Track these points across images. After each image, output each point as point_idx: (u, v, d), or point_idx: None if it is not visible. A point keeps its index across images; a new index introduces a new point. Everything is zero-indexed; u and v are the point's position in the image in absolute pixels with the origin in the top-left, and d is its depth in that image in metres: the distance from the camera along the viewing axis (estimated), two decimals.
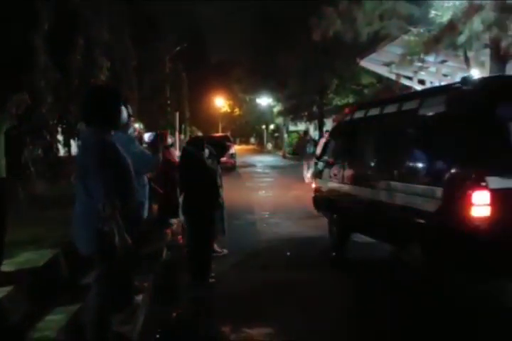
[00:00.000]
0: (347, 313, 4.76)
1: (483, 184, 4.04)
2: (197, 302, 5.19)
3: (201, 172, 5.60)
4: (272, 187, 16.30)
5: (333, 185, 7.05)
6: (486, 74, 14.47)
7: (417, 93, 6.39)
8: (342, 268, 6.36)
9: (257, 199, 13.10)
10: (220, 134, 31.32)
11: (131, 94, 18.77)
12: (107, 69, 12.36)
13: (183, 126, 44.10)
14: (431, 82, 22.84)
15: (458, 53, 13.98)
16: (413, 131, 5.22)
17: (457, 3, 10.59)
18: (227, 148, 7.38)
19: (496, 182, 4.04)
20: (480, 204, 4.04)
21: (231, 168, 23.03)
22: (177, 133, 25.92)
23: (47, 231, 5.81)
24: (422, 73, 19.67)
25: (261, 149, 52.73)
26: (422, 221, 4.63)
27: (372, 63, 21.62)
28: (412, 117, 5.18)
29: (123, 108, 4.06)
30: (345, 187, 6.56)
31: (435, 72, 20.39)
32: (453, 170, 4.37)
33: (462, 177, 4.25)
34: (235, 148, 37.02)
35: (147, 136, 7.95)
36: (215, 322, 4.73)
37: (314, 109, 32.69)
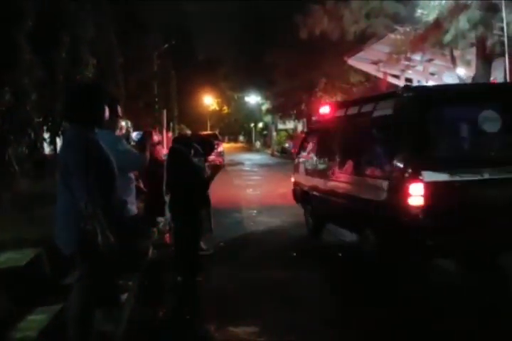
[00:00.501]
0: (333, 311, 4.76)
1: (420, 177, 4.76)
2: (183, 301, 5.17)
3: (188, 171, 5.58)
4: (259, 186, 16.32)
5: (307, 178, 8.04)
6: (472, 72, 14.62)
7: (372, 97, 6.81)
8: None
9: (245, 197, 13.09)
10: (208, 132, 31.33)
11: (118, 92, 18.63)
12: (92, 66, 12.21)
13: (171, 124, 43.94)
14: (418, 81, 22.96)
15: (444, 52, 14.12)
16: (367, 131, 5.96)
17: (443, 2, 10.66)
18: (214, 147, 7.36)
19: (430, 176, 4.75)
20: (416, 195, 4.75)
21: (219, 166, 22.96)
22: (165, 131, 25.78)
23: (30, 230, 5.73)
24: (410, 72, 19.82)
25: (249, 147, 52.74)
26: (373, 210, 5.36)
27: (360, 61, 21.71)
28: (367, 119, 5.97)
29: (116, 107, 4.07)
30: (316, 181, 7.47)
31: (422, 71, 20.55)
32: (395, 166, 5.10)
33: (402, 171, 4.97)
34: (224, 146, 37.04)
35: (135, 135, 7.88)
36: (201, 321, 4.71)
37: (303, 107, 32.74)
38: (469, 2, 10.37)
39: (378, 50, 18.01)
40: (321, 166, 7.36)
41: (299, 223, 8.70)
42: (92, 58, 12.41)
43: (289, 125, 37.70)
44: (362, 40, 16.58)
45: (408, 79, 22.68)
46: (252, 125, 55.05)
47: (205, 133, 29.77)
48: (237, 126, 61.61)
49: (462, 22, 10.86)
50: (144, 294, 5.11)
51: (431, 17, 10.93)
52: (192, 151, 6.15)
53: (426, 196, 4.72)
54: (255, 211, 10.59)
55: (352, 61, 21.66)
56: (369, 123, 5.94)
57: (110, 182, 3.45)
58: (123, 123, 14.09)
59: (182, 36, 51.45)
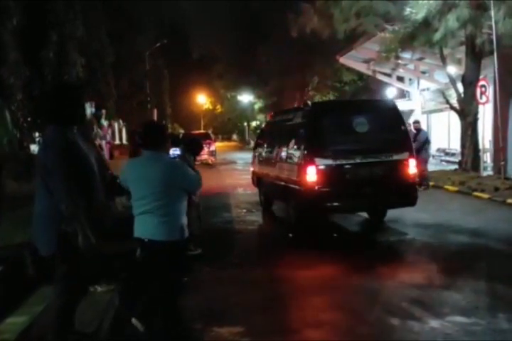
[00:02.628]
0: (318, 310, 4.74)
1: (313, 162, 7.33)
2: (169, 303, 5.11)
3: None
4: (251, 185, 16.19)
5: (259, 167, 10.52)
6: (462, 71, 14.69)
7: (290, 109, 10.45)
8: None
9: (235, 196, 13.03)
10: (200, 131, 31.26)
11: (109, 91, 18.56)
12: (81, 65, 12.15)
13: (164, 123, 43.84)
14: (410, 79, 23.09)
15: (434, 51, 14.15)
16: (289, 131, 8.60)
17: (431, 1, 10.65)
18: (203, 146, 7.33)
19: (321, 161, 7.34)
20: (312, 174, 7.32)
21: (211, 165, 22.95)
22: None
23: (14, 231, 5.68)
24: (401, 70, 19.85)
25: (243, 146, 52.58)
26: (292, 186, 7.90)
27: (352, 60, 21.77)
28: (288, 124, 8.82)
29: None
30: (263, 168, 10.05)
31: (413, 69, 20.62)
32: (301, 155, 7.71)
33: (304, 159, 7.54)
34: (217, 145, 36.92)
35: (172, 151, 7.60)
36: (187, 322, 4.67)
37: (295, 105, 32.74)
38: (457, 1, 10.37)
39: (369, 48, 18.06)
40: (266, 157, 9.88)
41: (289, 222, 8.72)
42: (80, 57, 12.38)
43: None
44: (353, 39, 16.60)
45: (400, 78, 22.79)
46: (246, 124, 54.93)
47: (197, 132, 29.83)
48: (230, 124, 61.44)
49: (451, 21, 10.89)
50: (128, 295, 5.05)
51: (420, 16, 10.94)
52: (181, 152, 6.13)
53: (318, 175, 7.32)
54: (245, 210, 10.55)
55: (343, 60, 21.71)
56: (289, 127, 8.71)
57: (90, 183, 3.41)
58: (104, 123, 14.06)
59: (176, 34, 51.37)
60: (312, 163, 7.28)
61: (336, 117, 7.84)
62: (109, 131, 15.36)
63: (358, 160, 7.43)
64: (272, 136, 9.78)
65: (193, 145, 6.83)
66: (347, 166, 7.43)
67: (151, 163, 3.68)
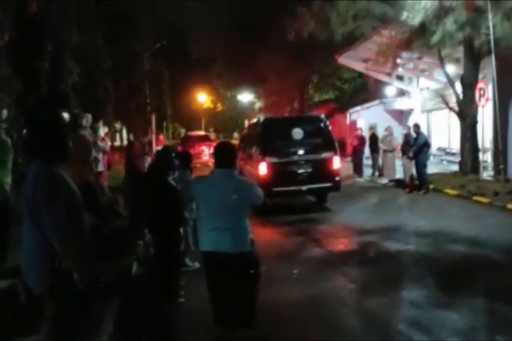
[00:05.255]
0: (311, 333, 4.70)
1: (265, 160, 10.29)
2: (165, 324, 5.09)
3: (164, 192, 5.50)
4: None
5: (240, 162, 12.03)
6: (461, 70, 14.58)
7: (256, 123, 12.12)
8: None
9: None
10: (200, 133, 31.15)
11: (106, 95, 18.48)
12: (77, 73, 12.08)
13: (164, 124, 43.73)
14: (409, 78, 22.96)
15: (433, 51, 14.02)
16: (253, 138, 11.60)
17: (428, 4, 10.54)
18: (192, 159, 7.46)
19: (270, 159, 10.27)
20: (263, 169, 10.23)
21: (211, 167, 22.90)
22: (154, 135, 25.54)
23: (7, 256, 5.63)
24: (400, 69, 19.73)
25: None
26: (254, 176, 10.13)
27: (351, 60, 21.64)
28: (253, 132, 11.82)
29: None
30: (242, 163, 12.01)
31: (412, 68, 20.49)
32: (257, 155, 10.59)
33: (258, 157, 10.49)
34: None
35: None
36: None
37: (295, 105, 32.65)
38: (454, 4, 10.26)
39: (368, 48, 17.95)
40: (243, 156, 11.93)
41: (288, 232, 8.69)
42: (76, 66, 12.29)
43: None
44: (351, 40, 16.49)
45: (399, 77, 22.66)
46: (246, 122, 54.84)
47: (197, 134, 29.67)
48: (231, 123, 61.42)
49: (449, 23, 10.80)
50: (125, 316, 5.02)
51: (417, 20, 10.84)
52: (174, 166, 6.11)
53: (268, 169, 10.21)
54: None
55: (342, 59, 21.60)
56: (253, 135, 11.69)
57: (79, 218, 3.38)
58: (101, 132, 13.93)
59: (175, 34, 51.17)
60: (264, 160, 10.28)
61: (280, 128, 10.81)
62: (108, 141, 15.27)
63: (295, 158, 10.43)
64: (246, 141, 12.85)
65: (183, 160, 6.90)
66: (288, 163, 10.38)
67: (224, 180, 3.97)
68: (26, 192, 3.38)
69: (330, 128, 11.15)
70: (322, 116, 11.77)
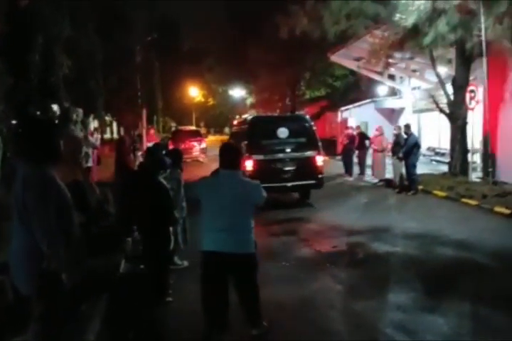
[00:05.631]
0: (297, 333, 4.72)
1: (251, 157, 10.54)
2: (153, 324, 5.09)
3: (153, 191, 5.48)
4: None
5: None
6: (452, 71, 14.66)
7: (244, 120, 13.21)
8: None
9: None
10: (191, 128, 31.04)
11: (97, 88, 18.33)
12: (67, 66, 11.97)
13: (155, 117, 43.47)
14: (401, 77, 23.03)
15: (425, 52, 14.06)
16: (241, 134, 11.74)
17: (421, 6, 10.57)
18: (182, 157, 7.38)
19: (256, 156, 10.58)
20: (249, 165, 10.44)
21: (202, 163, 22.85)
22: (144, 130, 25.35)
23: None
24: (392, 69, 19.77)
25: None
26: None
27: (343, 58, 21.65)
28: (242, 128, 12.21)
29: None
30: None
31: (404, 68, 20.54)
32: (244, 151, 10.13)
33: (245, 154, 10.23)
34: (208, 139, 36.74)
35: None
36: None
37: (287, 101, 32.63)
38: (447, 6, 10.29)
39: (360, 47, 17.97)
40: None
41: (280, 232, 8.71)
42: (67, 59, 12.18)
43: None
44: (344, 38, 16.49)
45: (391, 76, 22.73)
46: (238, 117, 54.71)
47: (187, 129, 29.56)
48: (222, 118, 61.27)
49: (441, 25, 10.84)
50: (112, 316, 5.01)
51: (409, 21, 10.87)
52: (165, 165, 6.07)
53: (254, 165, 10.49)
54: None
55: (334, 57, 21.61)
56: (242, 131, 12.05)
57: (69, 219, 3.38)
58: (92, 126, 13.86)
59: (167, 27, 50.75)
60: (250, 157, 10.56)
61: (267, 127, 11.26)
62: (98, 136, 15.16)
63: (281, 156, 10.84)
64: (235, 137, 12.92)
65: (174, 158, 6.79)
66: (273, 160, 10.75)
67: (229, 181, 4.06)
68: (16, 192, 3.37)
69: (314, 127, 11.65)
70: (307, 116, 12.71)
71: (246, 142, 10.92)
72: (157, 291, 5.54)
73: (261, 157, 10.68)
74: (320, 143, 11.39)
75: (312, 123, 11.63)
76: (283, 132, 10.92)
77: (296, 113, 31.85)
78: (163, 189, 5.63)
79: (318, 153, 11.17)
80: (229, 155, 4.14)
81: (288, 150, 10.90)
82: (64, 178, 3.60)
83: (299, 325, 4.86)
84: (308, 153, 11.03)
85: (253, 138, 10.95)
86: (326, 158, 19.12)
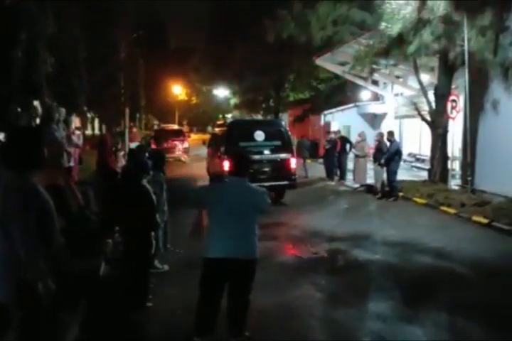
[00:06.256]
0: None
1: (227, 157, 10.55)
2: (132, 330, 5.05)
3: (136, 195, 5.45)
4: None
5: (209, 158, 14.54)
6: (434, 79, 14.86)
7: (224, 123, 14.94)
8: None
9: None
10: (174, 128, 30.87)
11: (80, 85, 18.14)
12: (50, 65, 11.81)
13: (137, 115, 43.19)
14: (384, 83, 23.27)
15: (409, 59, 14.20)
16: (220, 137, 12.84)
17: (407, 15, 10.70)
18: (166, 160, 7.38)
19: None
20: (227, 166, 9.55)
21: (184, 163, 22.79)
22: (126, 130, 25.14)
23: None
24: (375, 74, 19.94)
25: None
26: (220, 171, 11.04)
27: (328, 62, 21.77)
28: (221, 131, 13.28)
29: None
30: (211, 159, 14.02)
31: (387, 74, 20.76)
32: (222, 152, 11.46)
33: (223, 154, 11.29)
34: (192, 138, 36.58)
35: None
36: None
37: (271, 103, 32.66)
38: (432, 17, 10.44)
39: (345, 52, 18.11)
40: (211, 153, 13.88)
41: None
42: (50, 56, 12.02)
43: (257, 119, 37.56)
44: (330, 42, 16.59)
45: (374, 82, 22.94)
46: (221, 116, 54.67)
47: (170, 128, 29.42)
48: (205, 117, 61.12)
49: (426, 34, 10.99)
50: (91, 323, 4.97)
51: (395, 31, 10.99)
52: (148, 169, 6.03)
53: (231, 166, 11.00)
54: None
55: (320, 61, 21.72)
56: (220, 134, 13.10)
57: (50, 228, 3.35)
58: (73, 126, 13.69)
59: (154, 25, 50.45)
60: (228, 158, 10.52)
61: (244, 130, 11.93)
62: (80, 135, 15.00)
63: (257, 158, 11.01)
64: (214, 139, 14.10)
65: (157, 160, 6.75)
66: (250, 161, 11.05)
67: (237, 188, 4.22)
68: None
69: (289, 132, 12.69)
70: (282, 121, 14.59)
71: (224, 143, 11.65)
72: (137, 295, 5.51)
73: None
74: (293, 147, 12.39)
75: (287, 128, 12.51)
76: (259, 135, 11.60)
77: (280, 114, 32.10)
78: (145, 192, 5.60)
79: (292, 156, 11.93)
80: (239, 164, 4.36)
81: (264, 152, 11.53)
82: (43, 181, 3.57)
83: (278, 333, 4.87)
84: (283, 156, 11.71)
85: (231, 140, 11.56)
86: (309, 161, 19.30)
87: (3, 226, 3.16)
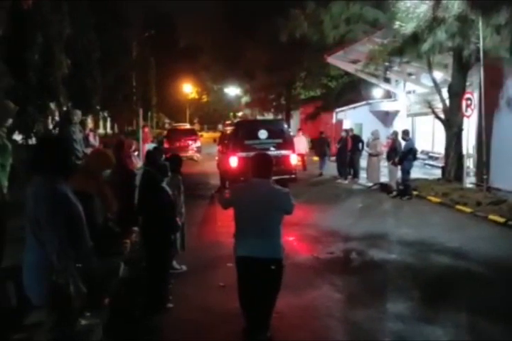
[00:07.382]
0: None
1: (236, 154, 12.55)
2: (153, 332, 5.12)
3: (158, 198, 5.53)
4: None
5: (219, 155, 15.40)
6: (448, 76, 14.78)
7: (232, 123, 15.73)
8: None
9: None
10: (186, 127, 30.99)
11: (94, 85, 18.33)
12: (66, 66, 11.96)
13: (149, 113, 43.36)
14: (396, 80, 23.16)
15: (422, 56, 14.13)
16: (228, 135, 14.18)
17: (421, 14, 10.65)
18: (182, 162, 7.43)
19: (240, 154, 12.40)
20: (234, 161, 12.52)
21: (197, 162, 22.89)
22: (140, 130, 25.22)
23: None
24: (388, 72, 19.84)
25: None
26: (228, 168, 12.68)
27: (339, 60, 21.69)
28: (229, 130, 15.09)
29: None
30: (220, 157, 15.02)
31: (400, 71, 20.65)
32: (230, 149, 12.92)
33: (231, 151, 12.80)
34: (204, 136, 36.66)
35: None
36: None
37: (282, 101, 32.64)
38: (447, 15, 10.38)
39: (358, 50, 18.05)
40: (221, 150, 14.86)
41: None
42: (66, 57, 12.18)
43: (268, 117, 37.54)
44: (342, 40, 16.56)
45: (386, 79, 22.84)
46: (232, 114, 54.77)
47: (182, 128, 29.56)
48: (216, 115, 61.22)
49: (440, 33, 10.93)
50: (113, 324, 5.04)
51: (409, 30, 10.95)
52: (167, 172, 6.11)
53: (238, 161, 12.31)
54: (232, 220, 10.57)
55: (331, 59, 21.64)
56: (231, 132, 14.21)
57: (80, 233, 3.43)
58: (90, 125, 13.82)
59: (163, 23, 50.58)
60: (235, 154, 12.49)
61: (249, 129, 13.25)
62: (97, 136, 15.15)
63: None
64: (223, 137, 15.51)
65: (174, 163, 6.80)
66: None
67: (261, 189, 4.32)
68: (28, 206, 3.42)
69: (290, 131, 14.10)
70: (284, 121, 16.26)
71: (231, 141, 13.03)
72: (157, 297, 5.58)
73: (243, 154, 12.09)
74: (294, 145, 13.50)
75: (287, 127, 13.95)
76: (263, 133, 12.83)
77: (291, 112, 32.09)
78: (166, 195, 5.68)
79: (292, 152, 13.10)
80: (262, 165, 4.43)
81: (267, 149, 12.40)
82: (73, 187, 3.65)
83: (299, 334, 4.93)
84: (284, 152, 12.83)
85: (237, 138, 12.88)
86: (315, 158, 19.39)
87: (35, 232, 3.27)
